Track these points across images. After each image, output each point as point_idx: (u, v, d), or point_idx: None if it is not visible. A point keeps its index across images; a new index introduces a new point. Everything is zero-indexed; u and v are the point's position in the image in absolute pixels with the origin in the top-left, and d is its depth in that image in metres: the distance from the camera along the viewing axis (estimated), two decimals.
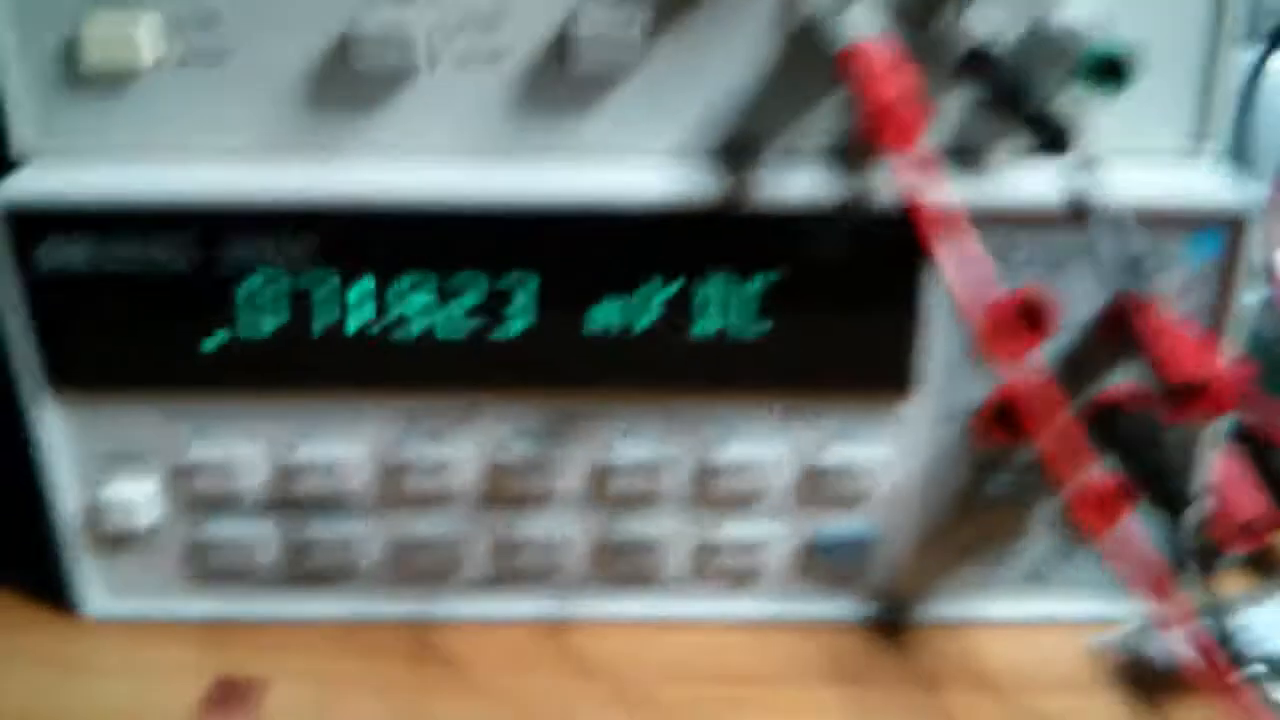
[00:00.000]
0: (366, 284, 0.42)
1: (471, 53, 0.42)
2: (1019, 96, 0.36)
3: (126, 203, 0.41)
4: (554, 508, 0.47)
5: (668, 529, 0.47)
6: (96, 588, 0.48)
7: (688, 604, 0.49)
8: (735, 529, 0.47)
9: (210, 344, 0.43)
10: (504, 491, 0.46)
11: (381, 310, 0.43)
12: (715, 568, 0.48)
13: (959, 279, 0.33)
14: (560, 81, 0.42)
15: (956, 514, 0.47)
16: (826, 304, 0.43)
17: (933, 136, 0.42)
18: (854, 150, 0.42)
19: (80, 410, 0.45)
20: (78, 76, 0.42)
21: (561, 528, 0.47)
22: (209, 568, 0.48)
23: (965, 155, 0.42)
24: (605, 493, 0.46)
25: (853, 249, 0.42)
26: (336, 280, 0.42)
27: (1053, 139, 0.36)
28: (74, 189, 0.41)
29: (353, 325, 0.43)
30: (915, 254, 0.42)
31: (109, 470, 0.46)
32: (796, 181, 0.42)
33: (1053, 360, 0.44)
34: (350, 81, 0.42)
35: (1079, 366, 0.44)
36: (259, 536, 0.47)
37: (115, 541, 0.47)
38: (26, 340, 0.43)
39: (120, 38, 0.40)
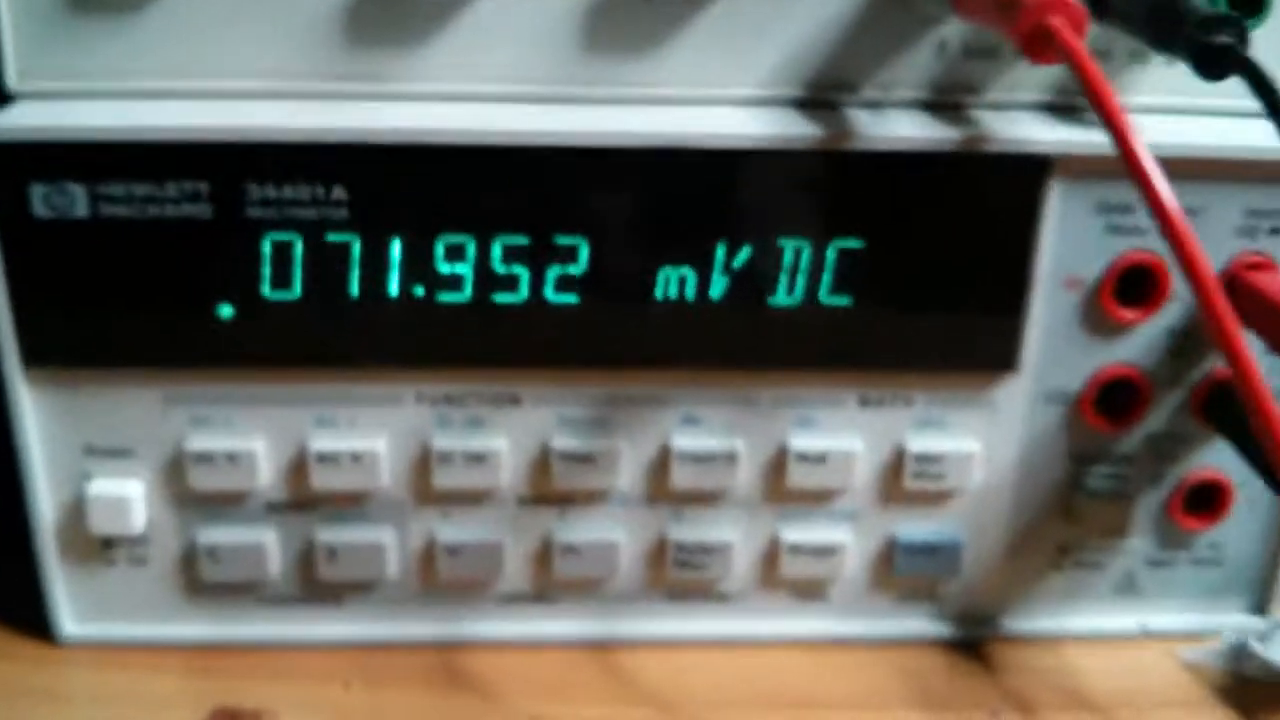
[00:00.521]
0: (406, 240, 0.39)
1: None
2: (1179, 8, 0.32)
3: (133, 140, 0.37)
4: (605, 507, 0.44)
5: (732, 531, 0.44)
6: (74, 605, 0.44)
7: (750, 621, 0.46)
8: (807, 531, 0.44)
9: (225, 311, 0.39)
10: (549, 488, 0.43)
11: (422, 272, 0.39)
12: (782, 577, 0.45)
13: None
14: (632, 10, 0.39)
15: (1050, 512, 0.44)
16: (923, 270, 0.40)
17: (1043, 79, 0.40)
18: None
19: (58, 392, 0.41)
20: None
21: (612, 530, 0.44)
22: (205, 581, 0.44)
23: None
24: (663, 489, 0.43)
25: (958, 202, 0.39)
26: (373, 235, 0.39)
27: (1216, 57, 0.32)
28: (71, 124, 0.38)
29: (390, 289, 0.39)
30: (1029, 208, 0.39)
31: (90, 465, 0.42)
32: (892, 128, 0.39)
33: (1164, 335, 0.42)
34: (396, 5, 0.38)
35: (1192, 341, 0.42)
36: (265, 543, 0.43)
37: (97, 550, 0.43)
38: (5, 307, 0.39)
39: None
